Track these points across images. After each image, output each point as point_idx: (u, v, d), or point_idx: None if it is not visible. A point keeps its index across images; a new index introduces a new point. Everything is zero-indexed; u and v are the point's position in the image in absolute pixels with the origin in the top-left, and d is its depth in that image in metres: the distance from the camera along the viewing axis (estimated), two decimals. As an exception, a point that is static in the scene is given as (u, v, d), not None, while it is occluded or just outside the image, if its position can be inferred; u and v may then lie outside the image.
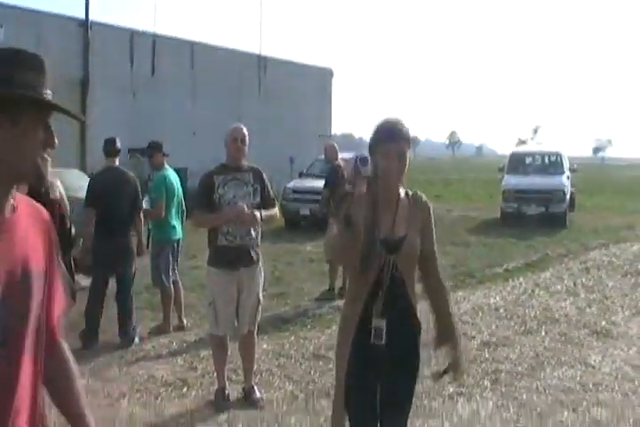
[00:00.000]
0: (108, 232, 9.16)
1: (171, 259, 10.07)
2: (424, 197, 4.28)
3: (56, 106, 2.17)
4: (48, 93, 2.18)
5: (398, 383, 4.20)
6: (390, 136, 4.03)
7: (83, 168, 24.35)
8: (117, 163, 9.59)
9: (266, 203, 7.32)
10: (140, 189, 9.63)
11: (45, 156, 2.18)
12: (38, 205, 2.39)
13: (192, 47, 32.98)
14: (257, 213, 6.99)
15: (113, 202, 9.25)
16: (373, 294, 4.01)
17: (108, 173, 9.48)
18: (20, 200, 2.25)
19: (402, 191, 4.19)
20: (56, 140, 2.18)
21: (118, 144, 9.62)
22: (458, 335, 4.37)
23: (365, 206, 3.95)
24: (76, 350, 8.88)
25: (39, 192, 8.33)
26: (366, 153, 3.96)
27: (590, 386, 7.86)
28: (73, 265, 8.87)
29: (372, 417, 4.20)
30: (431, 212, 4.27)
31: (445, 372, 4.23)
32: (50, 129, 2.18)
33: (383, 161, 3.97)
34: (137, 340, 9.35)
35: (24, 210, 2.27)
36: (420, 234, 4.14)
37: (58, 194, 8.56)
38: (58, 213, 8.23)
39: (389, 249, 4.01)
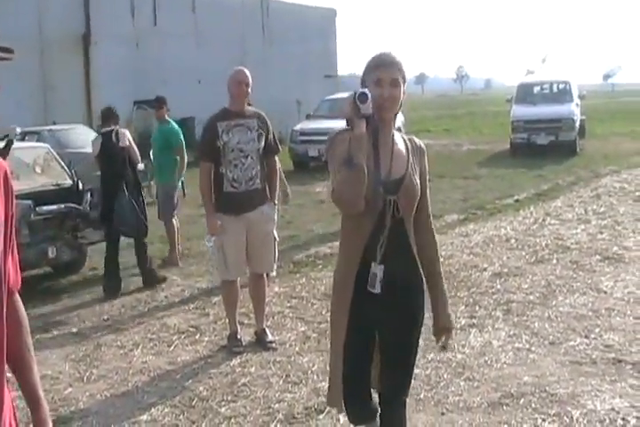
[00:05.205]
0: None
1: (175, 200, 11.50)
2: (419, 142, 4.02)
3: None
4: None
5: (399, 334, 3.98)
6: (382, 63, 3.78)
7: (89, 124, 24.33)
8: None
9: (269, 149, 7.29)
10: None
11: None
12: None
13: (193, -6, 32.65)
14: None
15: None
16: (374, 239, 3.78)
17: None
18: None
19: (395, 131, 3.94)
20: None
21: None
22: (446, 298, 4.10)
23: (367, 146, 3.64)
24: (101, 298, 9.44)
25: (110, 141, 9.60)
26: (365, 89, 3.60)
27: (602, 312, 7.85)
28: (144, 206, 9.93)
29: (365, 360, 4.03)
30: (426, 158, 4.03)
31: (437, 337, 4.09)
32: None
33: (375, 89, 3.69)
34: None
35: None
36: (419, 177, 3.89)
37: (127, 142, 9.81)
38: (128, 159, 9.69)
39: (388, 189, 3.74)
